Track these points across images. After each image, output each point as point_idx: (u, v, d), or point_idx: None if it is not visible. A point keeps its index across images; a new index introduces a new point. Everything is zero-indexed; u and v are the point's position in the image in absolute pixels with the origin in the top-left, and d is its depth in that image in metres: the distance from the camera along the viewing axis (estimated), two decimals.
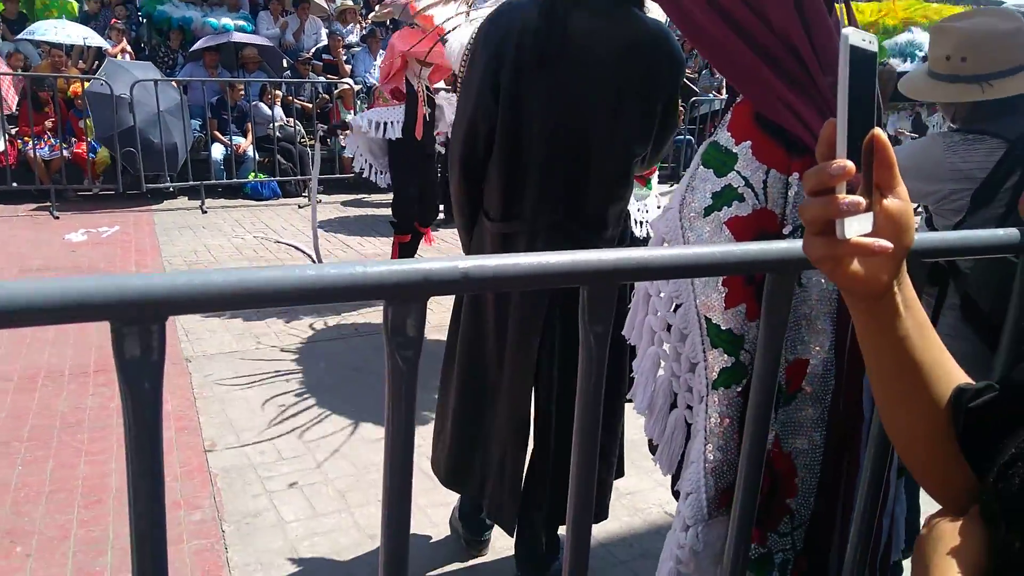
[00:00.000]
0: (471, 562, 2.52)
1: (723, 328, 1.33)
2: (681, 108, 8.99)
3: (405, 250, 5.17)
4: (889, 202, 0.67)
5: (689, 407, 1.42)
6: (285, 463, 3.06)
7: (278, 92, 8.99)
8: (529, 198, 2.06)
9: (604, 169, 2.06)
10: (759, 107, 1.32)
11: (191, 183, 7.92)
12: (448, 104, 5.01)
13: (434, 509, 2.78)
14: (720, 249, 0.85)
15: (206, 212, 7.62)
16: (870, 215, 0.66)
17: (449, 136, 5.21)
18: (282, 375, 3.90)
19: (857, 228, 0.65)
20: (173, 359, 4.01)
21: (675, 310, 1.41)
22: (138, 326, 0.58)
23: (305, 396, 3.67)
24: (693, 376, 1.39)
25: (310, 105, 9.18)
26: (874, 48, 0.65)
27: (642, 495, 2.91)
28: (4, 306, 0.51)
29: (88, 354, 3.96)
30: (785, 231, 1.33)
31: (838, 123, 0.64)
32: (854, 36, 0.63)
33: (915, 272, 1.03)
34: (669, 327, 1.42)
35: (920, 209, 2.06)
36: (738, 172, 1.32)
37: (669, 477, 1.67)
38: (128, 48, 9.23)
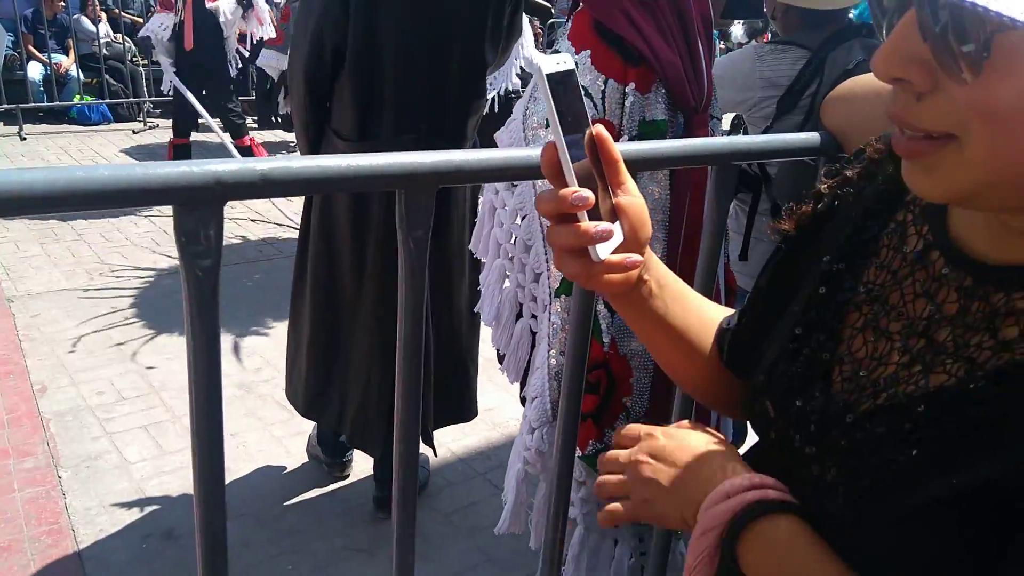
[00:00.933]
0: (331, 487, 2.51)
1: None
2: (539, 30, 8.93)
3: (180, 153, 5.47)
4: (623, 200, 0.67)
5: (534, 316, 1.45)
6: (127, 403, 2.90)
7: (101, 7, 8.15)
8: (387, 116, 1.99)
9: (462, 80, 2.03)
10: (599, 15, 1.32)
11: (6, 106, 7.10)
12: (225, 3, 5.21)
13: (290, 439, 2.73)
14: (534, 152, 0.84)
15: (25, 139, 6.89)
16: (617, 228, 0.66)
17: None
18: (120, 314, 3.66)
19: (606, 247, 0.65)
20: None
21: (520, 221, 1.42)
22: None
23: (145, 333, 3.46)
24: (537, 286, 1.42)
25: (140, 19, 8.38)
26: (569, 65, 0.65)
27: (499, 410, 2.98)
28: None
29: None
30: (623, 139, 1.35)
31: (559, 150, 0.63)
32: (547, 64, 0.63)
33: (728, 175, 1.08)
34: (514, 239, 1.43)
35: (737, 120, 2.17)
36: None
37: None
38: None
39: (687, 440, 0.68)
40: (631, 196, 0.68)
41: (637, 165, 0.93)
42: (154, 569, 2.10)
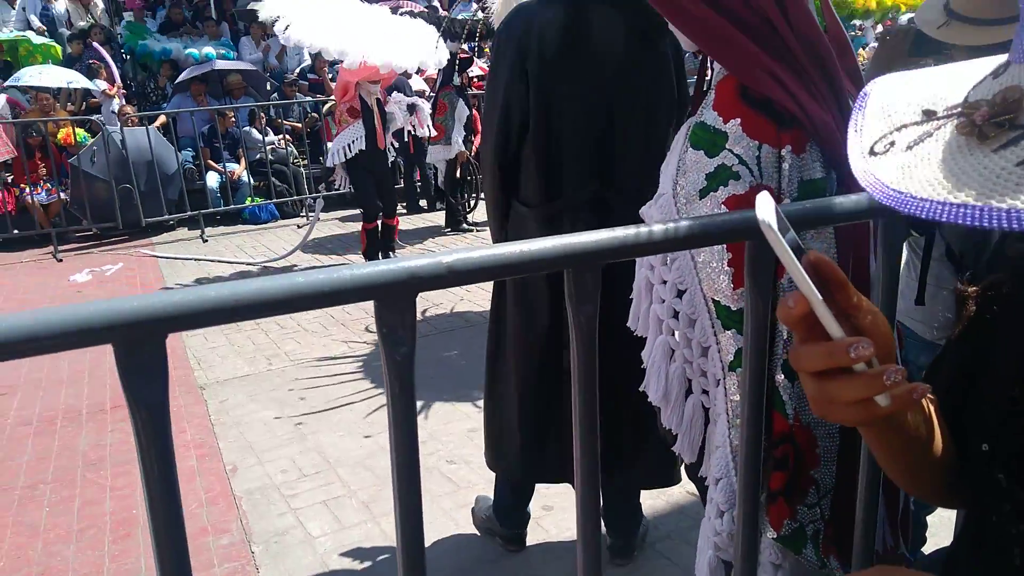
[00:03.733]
0: (502, 559, 2.54)
1: (733, 309, 1.32)
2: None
3: (371, 235, 6.09)
4: (869, 322, 0.61)
5: (705, 392, 1.41)
6: (307, 480, 3.09)
7: (263, 115, 9.04)
8: (568, 176, 2.17)
9: (631, 142, 2.18)
10: (745, 78, 1.31)
11: (189, 213, 7.98)
12: (398, 108, 6.06)
13: (457, 511, 2.80)
14: (696, 221, 0.87)
15: (207, 240, 7.67)
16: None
17: (407, 133, 6.34)
18: (296, 394, 3.94)
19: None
20: (187, 388, 4.05)
21: (680, 296, 1.40)
22: (140, 345, 0.61)
23: (321, 413, 3.70)
24: (706, 360, 1.38)
25: (299, 125, 9.24)
26: (772, 206, 0.62)
27: None
28: (7, 337, 0.53)
29: (103, 392, 4.00)
30: (784, 202, 1.33)
31: (814, 303, 0.58)
32: (765, 212, 0.60)
33: (895, 229, 1.05)
34: (676, 314, 1.40)
35: None
36: (730, 150, 1.31)
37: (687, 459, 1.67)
38: (121, 90, 9.23)
39: None
40: (872, 314, 0.61)
41: (806, 224, 0.93)
42: None
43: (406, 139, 7.91)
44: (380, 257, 6.05)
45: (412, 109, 6.33)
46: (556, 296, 2.22)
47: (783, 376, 1.29)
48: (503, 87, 2.16)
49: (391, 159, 6.36)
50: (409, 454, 0.77)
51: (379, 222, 6.12)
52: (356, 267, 0.69)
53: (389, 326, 0.71)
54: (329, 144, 6.40)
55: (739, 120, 1.31)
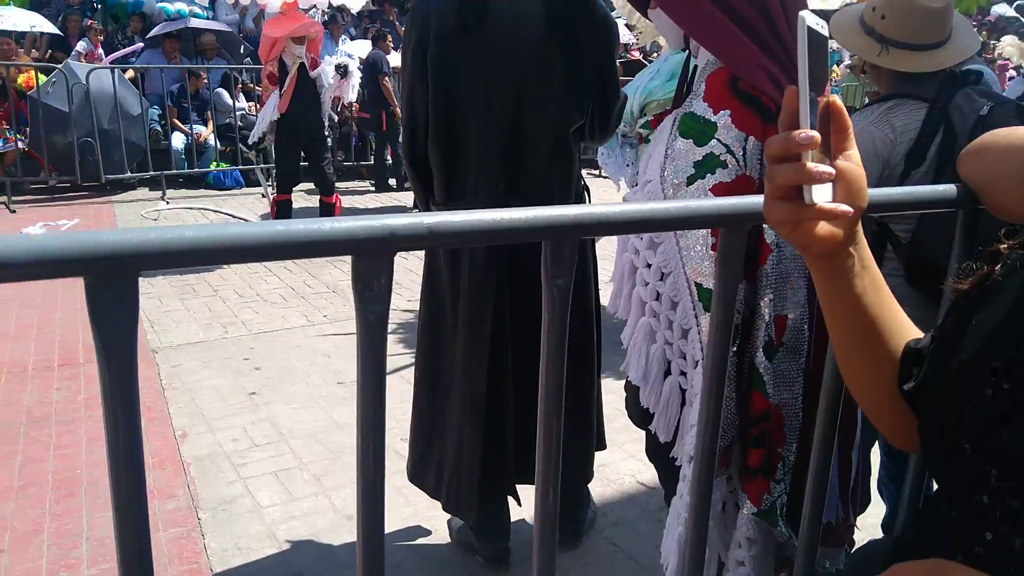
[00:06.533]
0: (448, 539, 2.54)
1: None
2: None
3: (282, 209, 5.88)
4: (843, 164, 0.70)
5: (683, 373, 1.44)
6: (258, 450, 3.06)
7: (239, 79, 8.86)
8: (470, 176, 2.03)
9: (538, 139, 2.03)
10: (740, 72, 1.34)
11: (152, 173, 7.79)
12: (326, 70, 5.77)
13: (408, 488, 2.79)
14: (674, 205, 0.88)
15: (168, 203, 7.51)
16: (828, 188, 0.69)
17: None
18: (251, 364, 3.88)
19: (821, 194, 0.68)
20: (139, 351, 3.96)
21: (663, 280, 1.43)
22: (113, 280, 0.59)
23: (276, 384, 3.66)
24: (686, 342, 1.42)
25: None
26: (826, 32, 0.70)
27: (613, 466, 2.95)
28: None
29: (51, 349, 3.90)
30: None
31: (800, 95, 0.67)
32: (809, 19, 0.68)
33: (864, 227, 1.07)
34: (659, 296, 1.44)
35: None
36: (719, 140, 1.35)
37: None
38: (101, 52, 8.94)
39: None
40: (852, 163, 0.71)
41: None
42: None
43: (380, 115, 7.83)
44: None
45: (343, 71, 6.08)
46: (453, 287, 2.10)
47: (763, 357, 1.33)
48: (408, 80, 2.04)
49: (327, 130, 6.09)
50: (375, 415, 0.76)
51: (290, 196, 5.94)
52: (337, 220, 0.69)
53: (365, 282, 0.71)
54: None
55: (729, 112, 1.33)
